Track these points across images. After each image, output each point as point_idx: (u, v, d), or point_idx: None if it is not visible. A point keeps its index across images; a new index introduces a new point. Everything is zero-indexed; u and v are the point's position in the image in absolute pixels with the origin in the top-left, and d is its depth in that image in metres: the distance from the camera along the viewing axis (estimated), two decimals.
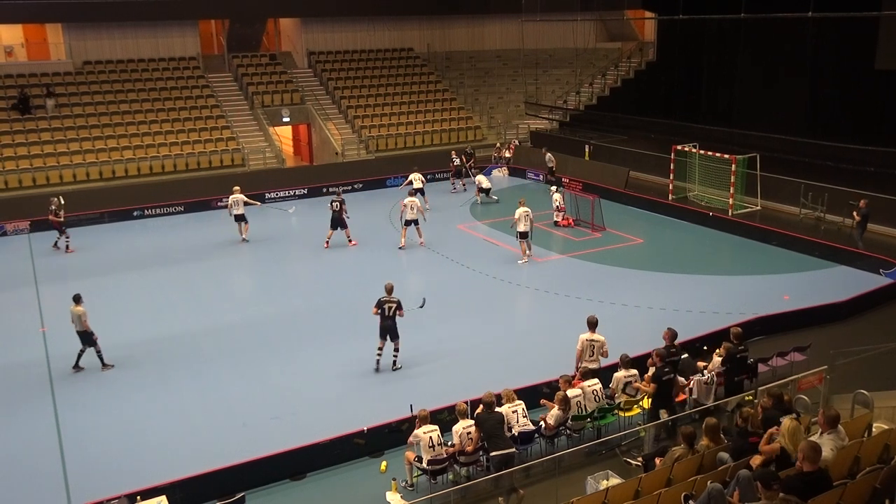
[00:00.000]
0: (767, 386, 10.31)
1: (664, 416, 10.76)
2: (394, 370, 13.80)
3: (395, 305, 13.61)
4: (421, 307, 14.60)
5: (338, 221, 21.55)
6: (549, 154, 28.84)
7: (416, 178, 25.62)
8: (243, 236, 22.73)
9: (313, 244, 23.04)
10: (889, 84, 25.73)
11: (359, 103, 34.19)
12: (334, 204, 21.54)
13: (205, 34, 35.34)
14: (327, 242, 21.74)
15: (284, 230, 25.00)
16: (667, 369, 10.96)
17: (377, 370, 13.74)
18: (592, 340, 12.09)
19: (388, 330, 13.67)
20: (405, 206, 21.37)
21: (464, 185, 29.02)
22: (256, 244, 22.91)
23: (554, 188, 24.60)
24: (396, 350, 13.87)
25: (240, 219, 22.55)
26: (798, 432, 7.80)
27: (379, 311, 13.61)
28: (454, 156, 29.37)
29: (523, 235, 19.65)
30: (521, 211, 19.56)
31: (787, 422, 7.99)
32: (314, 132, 33.79)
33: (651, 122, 30.22)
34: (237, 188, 22.94)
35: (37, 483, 10.85)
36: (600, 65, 38.11)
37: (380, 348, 13.77)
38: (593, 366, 11.95)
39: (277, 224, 25.41)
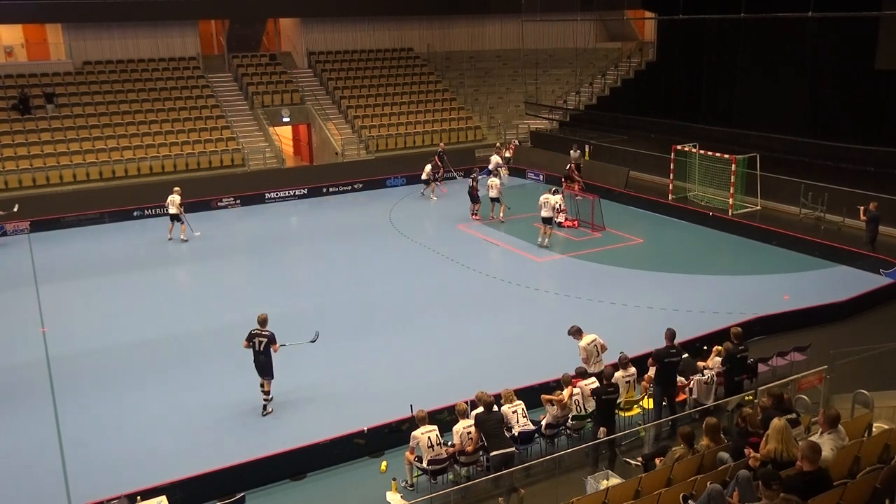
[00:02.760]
0: (767, 386, 10.30)
1: (602, 434, 10.39)
2: (264, 415, 12.43)
3: (266, 339, 12.23)
4: (312, 341, 13.25)
5: (473, 197, 24.01)
6: (578, 151, 28.42)
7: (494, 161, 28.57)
8: (171, 236, 22.86)
9: (313, 244, 23.07)
10: (889, 84, 25.73)
11: (359, 103, 34.18)
12: (471, 179, 24.48)
13: (205, 34, 35.32)
14: (473, 214, 24.28)
15: (284, 230, 25.02)
16: (610, 389, 10.61)
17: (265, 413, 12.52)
18: (594, 342, 12.09)
19: (261, 366, 12.36)
20: (490, 185, 23.83)
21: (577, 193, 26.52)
22: (256, 244, 22.93)
23: (554, 189, 24.51)
24: (267, 391, 12.51)
25: (174, 218, 22.60)
26: (786, 430, 7.78)
27: (250, 344, 12.34)
28: (573, 160, 28.29)
29: (545, 221, 21.13)
30: (542, 198, 21.38)
31: (775, 421, 8.00)
32: (314, 132, 33.79)
33: (651, 122, 30.21)
34: (177, 189, 22.88)
35: (37, 483, 10.85)
36: (600, 65, 38.10)
37: (262, 385, 12.57)
38: (596, 368, 11.88)
39: (277, 224, 25.42)
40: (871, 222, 18.38)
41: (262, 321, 12.47)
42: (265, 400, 12.54)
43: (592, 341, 12.10)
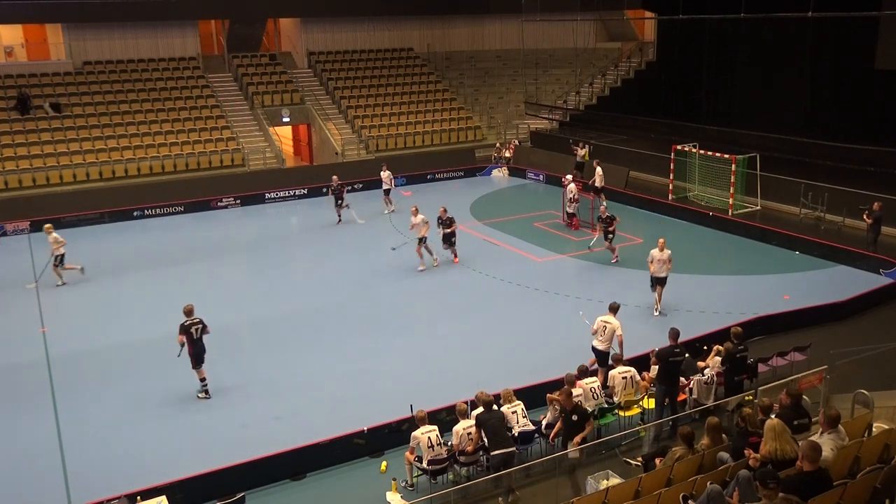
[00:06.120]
0: (768, 385, 10.30)
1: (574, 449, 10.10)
2: (205, 398, 12.96)
3: (201, 326, 12.80)
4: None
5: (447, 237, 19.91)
6: (583, 150, 28.31)
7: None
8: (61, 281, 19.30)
9: (312, 244, 23.06)
10: (889, 84, 25.74)
11: (359, 103, 34.19)
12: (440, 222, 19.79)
13: (205, 34, 35.34)
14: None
15: (284, 231, 25.01)
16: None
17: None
18: (606, 321, 12.51)
19: (199, 354, 12.81)
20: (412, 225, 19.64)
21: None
22: (256, 245, 22.92)
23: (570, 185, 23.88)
24: (203, 378, 12.99)
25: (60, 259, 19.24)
26: (779, 428, 7.76)
27: (186, 336, 12.66)
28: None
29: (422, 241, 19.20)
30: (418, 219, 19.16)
31: (769, 421, 7.99)
32: (314, 132, 33.80)
33: (651, 122, 30.23)
34: (48, 226, 19.79)
35: (37, 483, 10.85)
36: (600, 65, 38.14)
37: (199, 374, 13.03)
38: (602, 346, 12.44)
39: (277, 224, 25.39)
40: (876, 223, 18.37)
41: (190, 311, 12.90)
42: (205, 386, 13.06)
43: (608, 324, 12.47)
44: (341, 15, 35.85)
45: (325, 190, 26.07)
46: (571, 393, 10.26)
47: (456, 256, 20.06)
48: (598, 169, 24.95)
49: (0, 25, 31.04)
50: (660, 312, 15.98)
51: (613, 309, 12.75)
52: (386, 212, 25.70)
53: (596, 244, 19.82)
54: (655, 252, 16.08)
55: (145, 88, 31.22)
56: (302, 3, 34.67)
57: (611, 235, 19.38)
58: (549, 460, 10.50)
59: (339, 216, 24.68)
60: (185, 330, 12.71)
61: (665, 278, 16.07)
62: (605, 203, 23.32)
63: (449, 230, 19.72)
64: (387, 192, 26.00)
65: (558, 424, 10.29)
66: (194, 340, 12.77)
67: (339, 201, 24.47)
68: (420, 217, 19.34)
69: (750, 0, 22.66)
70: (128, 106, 30.20)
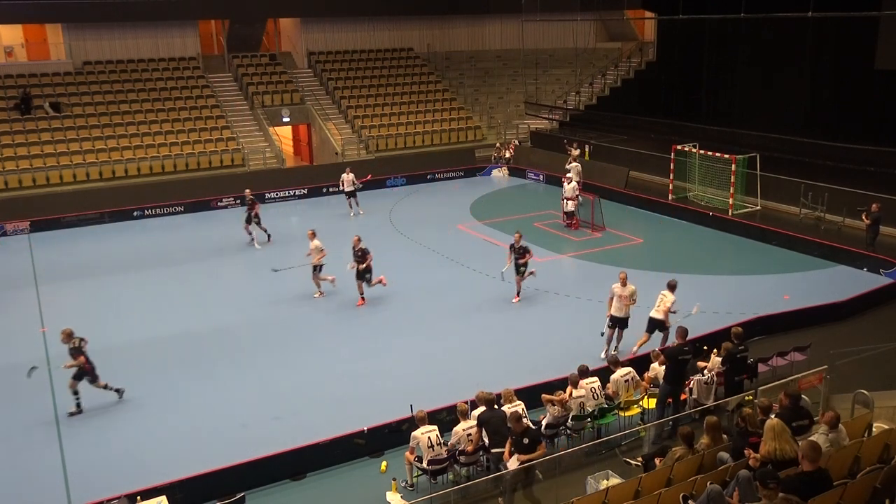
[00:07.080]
0: (768, 385, 10.29)
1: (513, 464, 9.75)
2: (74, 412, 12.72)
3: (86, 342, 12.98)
4: (33, 369, 13.08)
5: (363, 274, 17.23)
6: (576, 150, 28.19)
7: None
8: None
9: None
10: (889, 84, 25.75)
11: (359, 103, 34.19)
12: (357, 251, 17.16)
13: (205, 34, 35.35)
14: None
15: (285, 232, 24.97)
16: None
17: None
18: (663, 294, 13.86)
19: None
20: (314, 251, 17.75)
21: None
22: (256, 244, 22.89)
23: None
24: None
25: None
26: (779, 428, 7.76)
27: (83, 356, 12.77)
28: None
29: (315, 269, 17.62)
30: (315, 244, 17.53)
31: (770, 421, 7.99)
32: (314, 132, 33.80)
33: (651, 122, 30.23)
34: None
35: (37, 483, 10.85)
36: (600, 65, 38.13)
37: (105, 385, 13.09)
38: (658, 316, 13.74)
39: (279, 226, 25.37)
40: (874, 224, 18.37)
41: (71, 333, 12.82)
42: (118, 389, 13.15)
43: (665, 297, 13.90)
44: (341, 15, 35.85)
45: (237, 200, 26.18)
46: (520, 417, 9.83)
47: (362, 298, 17.24)
48: (577, 165, 25.58)
49: (0, 25, 31.04)
50: (610, 354, 13.33)
51: (671, 287, 13.88)
52: (357, 213, 25.46)
53: (508, 272, 17.21)
54: (616, 287, 13.95)
55: (145, 88, 31.22)
56: (302, 3, 34.68)
57: (522, 269, 16.81)
58: (550, 460, 10.49)
59: (251, 235, 22.31)
60: (80, 351, 12.70)
61: (625, 320, 13.92)
62: (580, 199, 23.11)
63: (363, 265, 17.00)
64: (349, 194, 25.56)
65: (508, 444, 9.70)
66: (88, 357, 12.81)
67: (254, 217, 22.20)
68: (315, 243, 17.47)
69: (750, 0, 22.66)
70: (128, 106, 30.20)
